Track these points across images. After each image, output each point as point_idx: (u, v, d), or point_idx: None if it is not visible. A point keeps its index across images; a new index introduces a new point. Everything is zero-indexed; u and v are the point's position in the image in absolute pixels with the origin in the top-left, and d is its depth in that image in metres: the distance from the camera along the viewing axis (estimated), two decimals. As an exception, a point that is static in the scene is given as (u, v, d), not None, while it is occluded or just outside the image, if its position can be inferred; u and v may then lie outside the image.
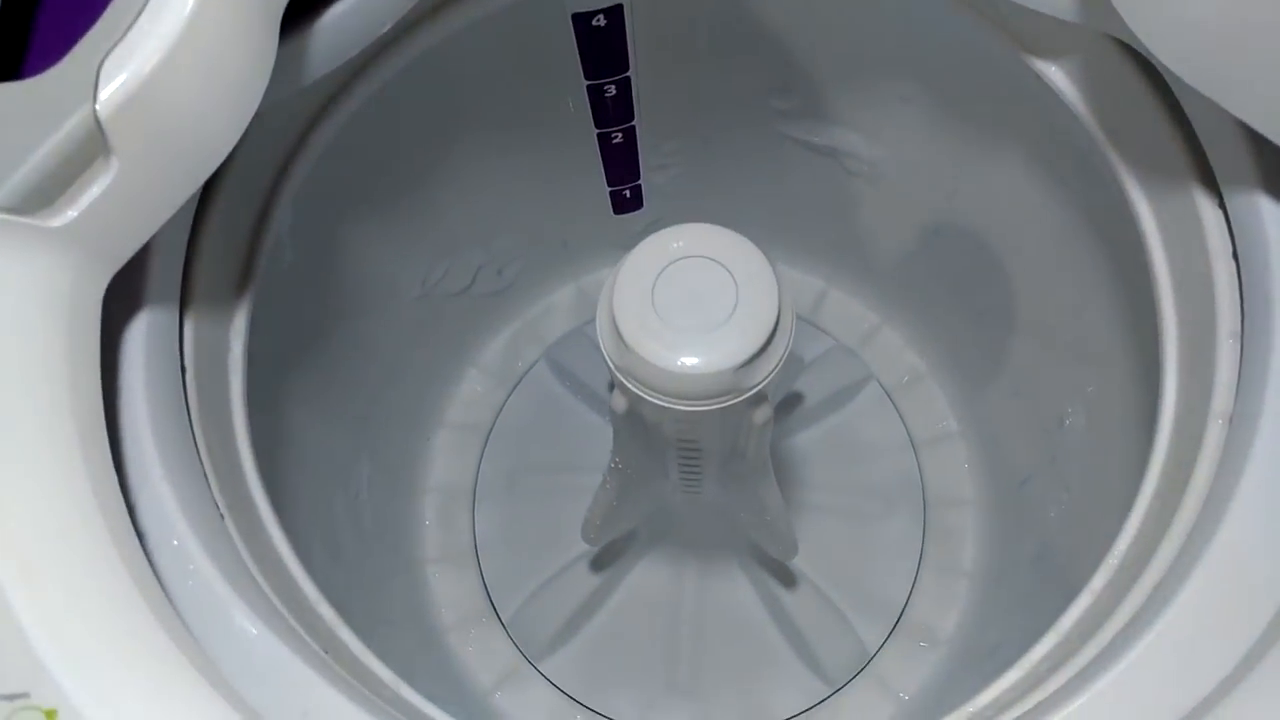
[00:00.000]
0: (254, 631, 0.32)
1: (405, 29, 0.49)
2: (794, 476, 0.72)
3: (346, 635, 0.37)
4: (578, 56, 0.55)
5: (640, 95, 0.59)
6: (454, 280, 0.69)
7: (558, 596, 0.69)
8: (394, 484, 0.69)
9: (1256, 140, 0.32)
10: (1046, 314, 0.58)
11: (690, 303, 0.39)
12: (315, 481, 0.57)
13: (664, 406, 0.40)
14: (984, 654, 0.63)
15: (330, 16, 0.40)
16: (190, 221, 0.40)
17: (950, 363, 0.72)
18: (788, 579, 0.68)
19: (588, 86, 0.57)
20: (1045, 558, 0.58)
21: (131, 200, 0.32)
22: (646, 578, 0.70)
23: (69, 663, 0.26)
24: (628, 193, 0.69)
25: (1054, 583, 0.55)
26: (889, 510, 0.71)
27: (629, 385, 0.40)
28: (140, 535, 0.32)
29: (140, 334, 0.36)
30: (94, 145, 0.30)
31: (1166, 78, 0.38)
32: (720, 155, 0.66)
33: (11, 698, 0.25)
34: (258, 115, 0.42)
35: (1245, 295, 0.35)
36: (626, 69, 0.57)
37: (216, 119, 0.33)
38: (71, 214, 0.31)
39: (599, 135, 0.62)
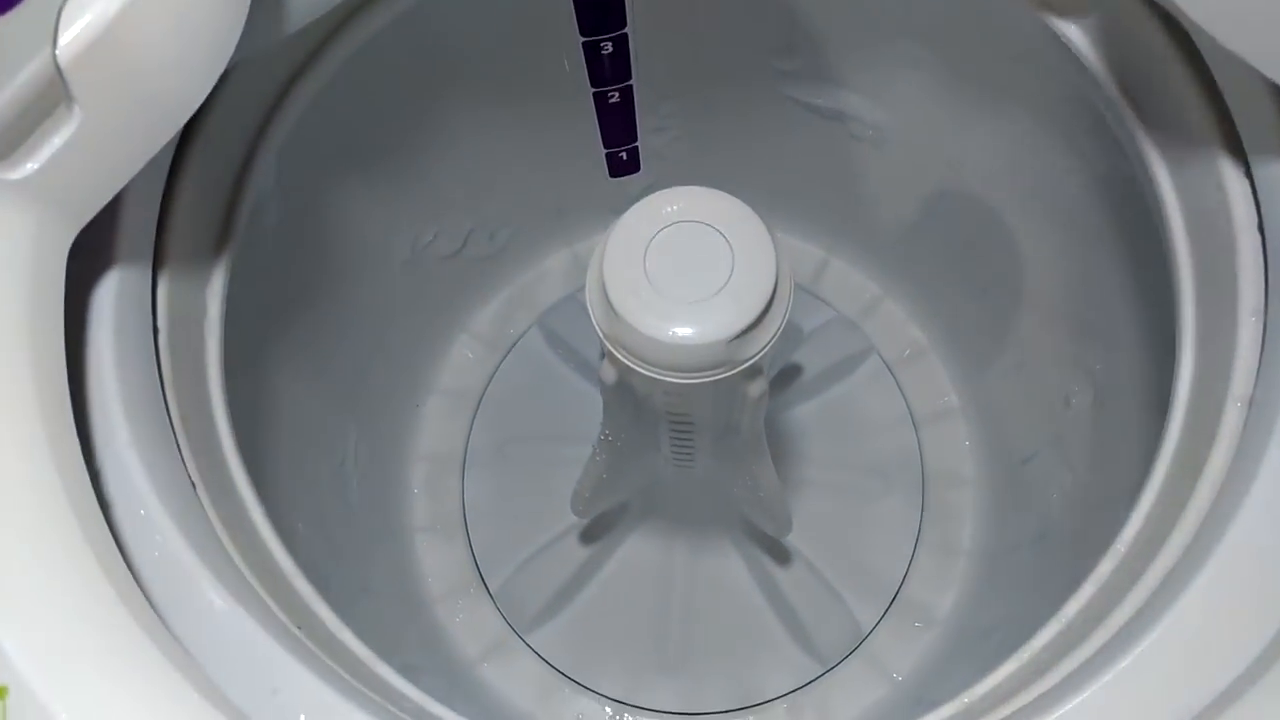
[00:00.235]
0: (222, 606, 0.30)
1: (393, -21, 0.47)
2: (790, 450, 0.70)
3: (322, 609, 0.36)
4: (573, 12, 0.53)
5: (638, 53, 0.57)
6: (444, 243, 0.67)
7: (547, 568, 0.68)
8: (382, 451, 0.68)
9: (1288, 106, 0.30)
10: (1054, 287, 0.56)
11: (684, 270, 0.37)
12: (299, 448, 0.56)
13: (654, 378, 0.39)
14: (980, 636, 0.61)
15: (311, -38, 0.38)
16: (165, 175, 0.39)
17: (953, 337, 0.70)
18: (781, 555, 0.67)
19: (583, 43, 0.55)
20: (1047, 539, 0.57)
21: (96, 152, 0.30)
22: (637, 551, 0.68)
23: (21, 638, 0.25)
24: (624, 155, 0.67)
25: (1055, 566, 0.54)
26: (887, 487, 0.70)
27: (618, 355, 0.39)
28: (105, 504, 0.31)
29: (109, 293, 0.34)
30: (54, 93, 0.29)
31: (1194, 36, 0.36)
32: (721, 117, 0.65)
33: (-42, 676, 0.24)
34: (238, 66, 0.40)
35: (1270, 271, 0.33)
36: (624, 25, 0.55)
37: (186, 68, 0.31)
38: (31, 166, 0.29)
39: (595, 95, 0.60)
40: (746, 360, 0.39)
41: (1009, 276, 0.59)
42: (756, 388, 0.43)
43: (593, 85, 0.59)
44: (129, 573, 0.28)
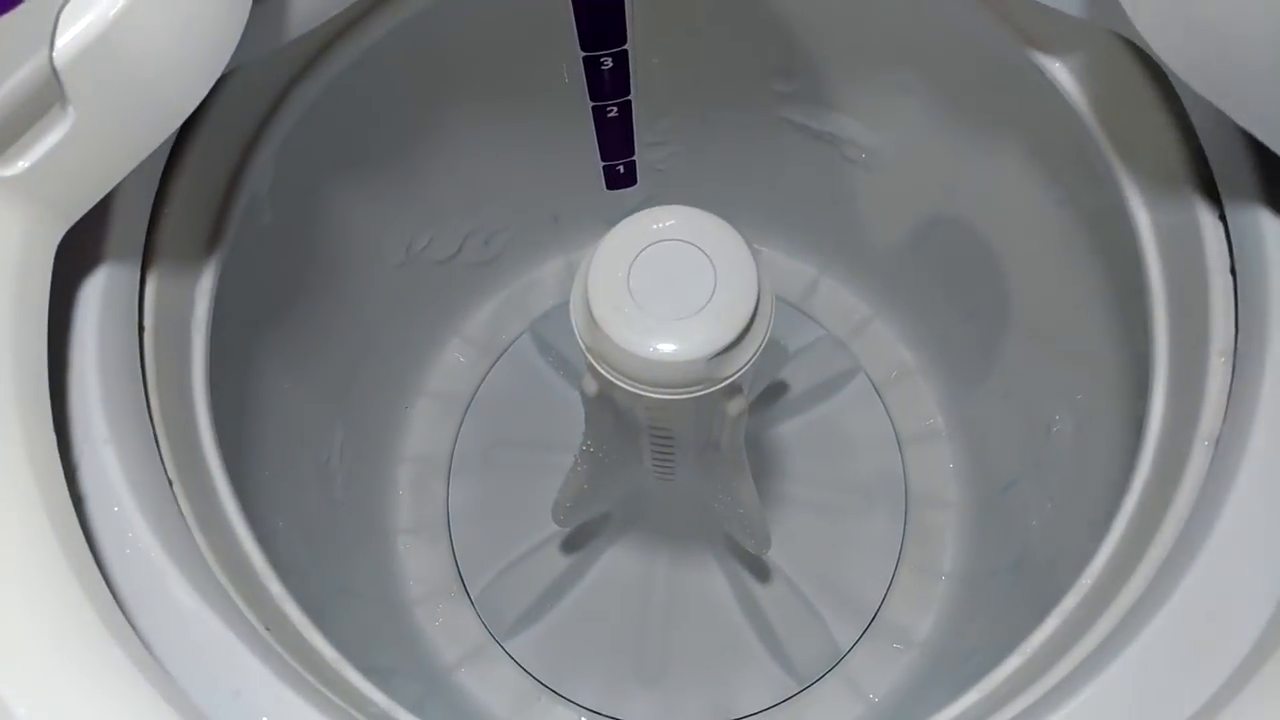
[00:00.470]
0: (189, 604, 0.31)
1: (395, -10, 0.47)
2: (775, 467, 0.71)
3: (293, 610, 0.36)
4: (573, 27, 0.53)
5: (638, 69, 0.57)
6: (439, 248, 0.68)
7: (528, 576, 0.68)
8: (368, 452, 0.68)
9: (1262, 151, 0.30)
10: (1040, 315, 0.57)
11: (666, 287, 0.38)
12: (285, 445, 0.56)
13: (634, 392, 0.39)
14: (958, 660, 0.62)
15: (311, -29, 0.39)
16: (159, 174, 0.39)
17: (941, 359, 0.70)
18: (762, 572, 0.67)
19: (584, 58, 0.56)
20: (1024, 567, 0.57)
21: (88, 153, 0.31)
22: (618, 562, 0.69)
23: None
24: (621, 168, 0.67)
25: (1031, 594, 0.55)
26: (869, 507, 0.70)
27: (599, 368, 0.39)
28: (80, 500, 0.31)
29: (96, 290, 0.35)
30: (49, 94, 0.29)
31: (1172, 80, 0.36)
32: (718, 135, 0.65)
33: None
34: (237, 69, 0.41)
35: (1240, 313, 0.34)
36: (624, 42, 0.55)
37: (182, 73, 0.32)
38: (23, 164, 0.30)
39: (594, 109, 0.60)
40: (726, 378, 0.39)
41: (996, 302, 0.60)
42: (736, 405, 0.44)
43: (592, 99, 0.59)
44: (96, 568, 0.28)
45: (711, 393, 0.39)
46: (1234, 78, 0.28)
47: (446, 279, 0.70)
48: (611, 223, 0.71)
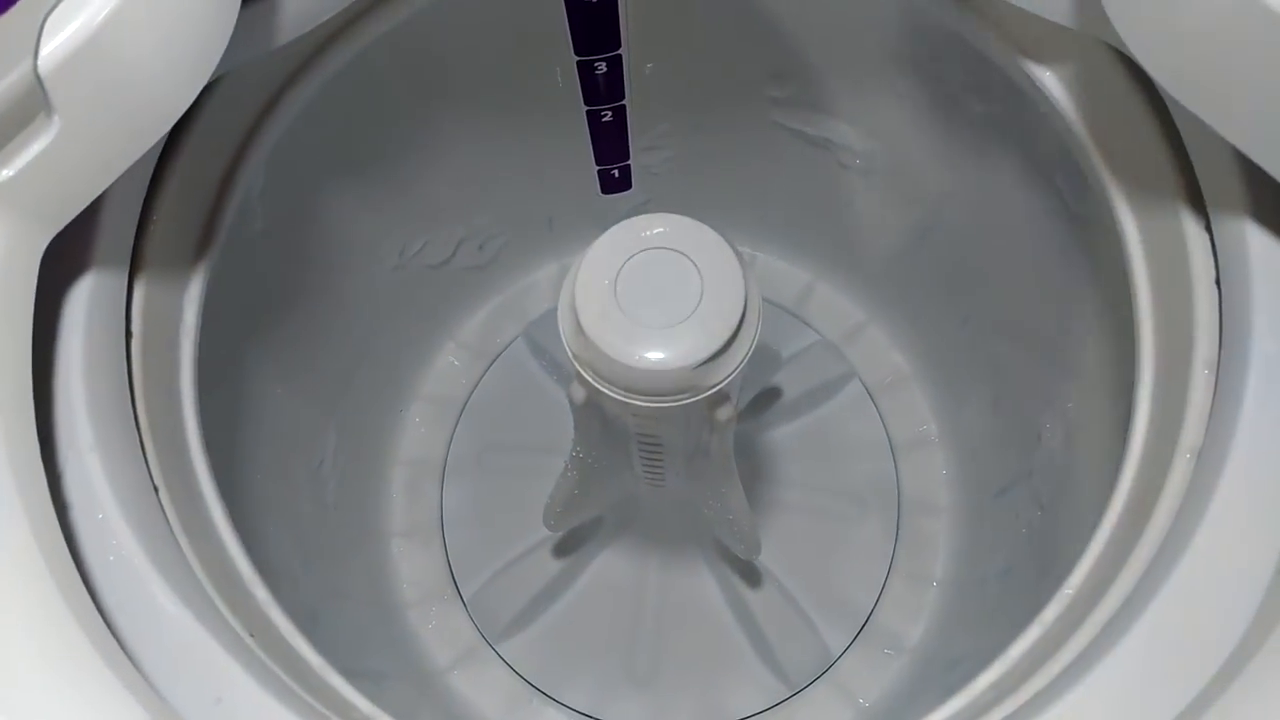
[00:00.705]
0: (172, 610, 0.31)
1: (387, -7, 0.47)
2: (767, 472, 0.71)
3: (278, 616, 0.37)
4: (567, 32, 0.53)
5: (633, 74, 0.57)
6: (434, 252, 0.68)
7: (521, 579, 0.68)
8: (362, 455, 0.68)
9: (1248, 162, 0.30)
10: (1031, 322, 0.57)
11: (653, 296, 0.38)
12: (277, 449, 0.57)
13: (621, 400, 0.39)
14: (947, 667, 0.62)
15: (300, -23, 0.39)
16: (148, 180, 0.39)
17: (935, 365, 0.70)
18: (753, 577, 0.67)
19: (578, 63, 0.56)
20: (1013, 574, 0.57)
21: (74, 160, 0.31)
22: (610, 566, 0.69)
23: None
24: (616, 173, 0.67)
25: (1019, 602, 0.55)
26: (862, 512, 0.70)
27: (586, 376, 0.39)
28: (64, 507, 0.31)
29: (83, 296, 0.35)
30: (34, 102, 0.29)
31: (1161, 90, 0.36)
32: (713, 140, 0.65)
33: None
34: (228, 74, 0.41)
35: (1225, 324, 0.34)
36: (618, 47, 0.55)
37: (168, 80, 0.32)
38: (7, 173, 0.30)
39: (588, 113, 0.60)
40: (712, 386, 0.39)
41: (990, 308, 0.60)
42: (724, 413, 0.44)
43: (586, 104, 0.59)
44: (78, 575, 0.28)
45: (698, 400, 0.39)
46: (1217, 90, 0.28)
47: (441, 283, 0.70)
48: (607, 227, 0.71)
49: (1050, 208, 0.49)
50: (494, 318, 0.75)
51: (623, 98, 0.59)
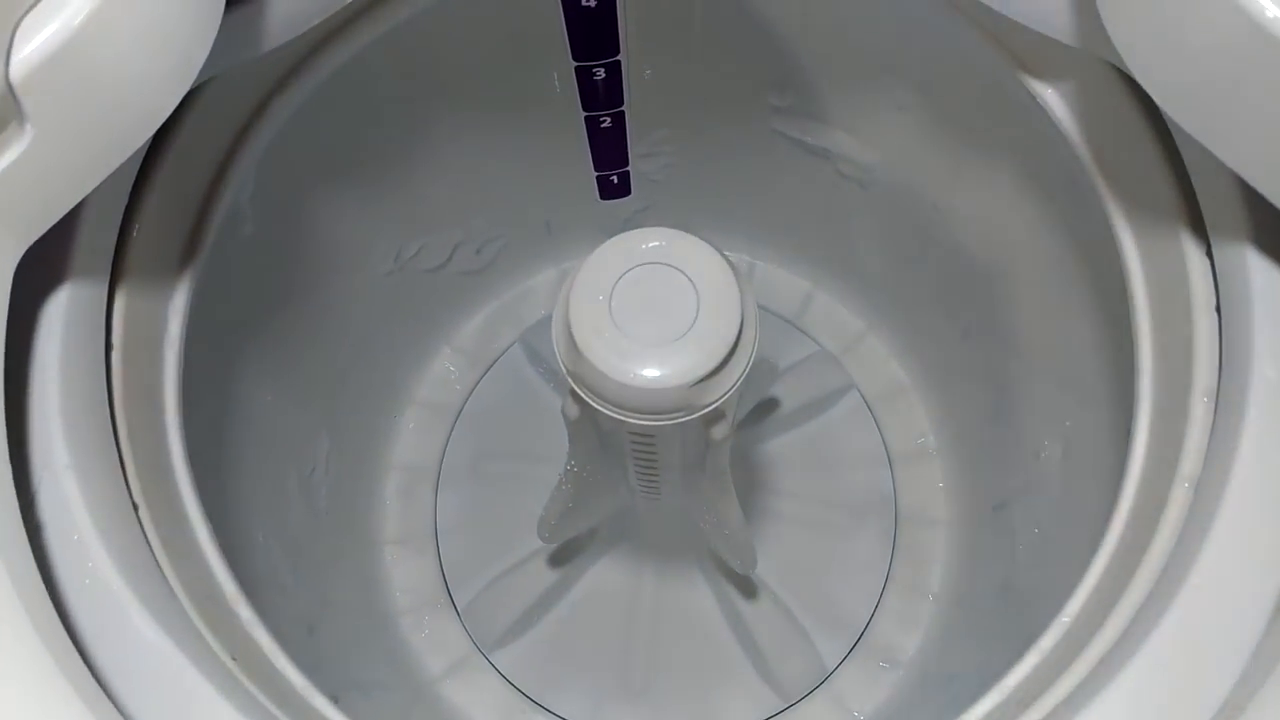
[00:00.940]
0: (150, 636, 0.30)
1: (381, -2, 0.46)
2: (764, 483, 0.70)
3: (262, 636, 0.36)
4: (565, 37, 0.52)
5: (633, 80, 0.56)
6: (429, 257, 0.67)
7: (515, 588, 0.67)
8: (355, 461, 0.68)
9: (1250, 188, 0.30)
10: (1031, 339, 0.56)
11: (649, 312, 0.37)
12: (267, 457, 0.56)
13: (615, 417, 0.38)
14: (943, 682, 0.61)
15: (288, -18, 0.38)
16: (129, 186, 0.38)
17: (934, 378, 0.70)
18: (749, 588, 0.67)
19: (576, 68, 0.55)
20: (1010, 591, 0.57)
21: (48, 170, 0.30)
22: (605, 577, 0.68)
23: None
24: (615, 178, 0.67)
25: (1015, 619, 0.54)
26: (859, 524, 0.69)
27: (580, 392, 0.39)
28: (38, 528, 0.31)
29: (60, 307, 0.34)
30: (4, 110, 0.28)
31: (1166, 117, 0.35)
32: (712, 147, 0.64)
33: None
34: (215, 78, 0.40)
35: (1225, 352, 0.33)
36: (617, 52, 0.54)
37: (148, 87, 0.31)
38: (-24, 183, 0.29)
39: (586, 118, 0.60)
40: (708, 405, 0.38)
41: (990, 323, 0.59)
42: (720, 430, 0.43)
43: (585, 109, 0.58)
44: (49, 600, 0.27)
45: (694, 418, 0.39)
46: (1218, 114, 0.27)
47: (437, 288, 0.69)
48: (606, 232, 0.71)
49: (1051, 224, 0.48)
50: (490, 323, 0.74)
51: (621, 104, 0.59)
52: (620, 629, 0.67)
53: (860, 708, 0.65)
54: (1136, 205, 0.37)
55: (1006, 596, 0.58)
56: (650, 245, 0.38)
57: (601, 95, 0.58)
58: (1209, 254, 0.34)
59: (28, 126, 0.29)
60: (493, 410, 0.73)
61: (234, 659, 0.33)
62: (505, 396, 0.74)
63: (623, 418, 0.38)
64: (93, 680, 0.27)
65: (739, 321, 0.37)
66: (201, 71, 0.32)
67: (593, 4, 0.51)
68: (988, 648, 0.58)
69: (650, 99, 0.59)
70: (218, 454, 0.49)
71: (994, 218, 0.53)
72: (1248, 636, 0.29)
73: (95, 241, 0.36)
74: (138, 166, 0.39)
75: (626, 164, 0.65)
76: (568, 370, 0.39)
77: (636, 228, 0.72)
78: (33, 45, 0.28)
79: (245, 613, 0.36)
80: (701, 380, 0.37)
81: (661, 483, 0.52)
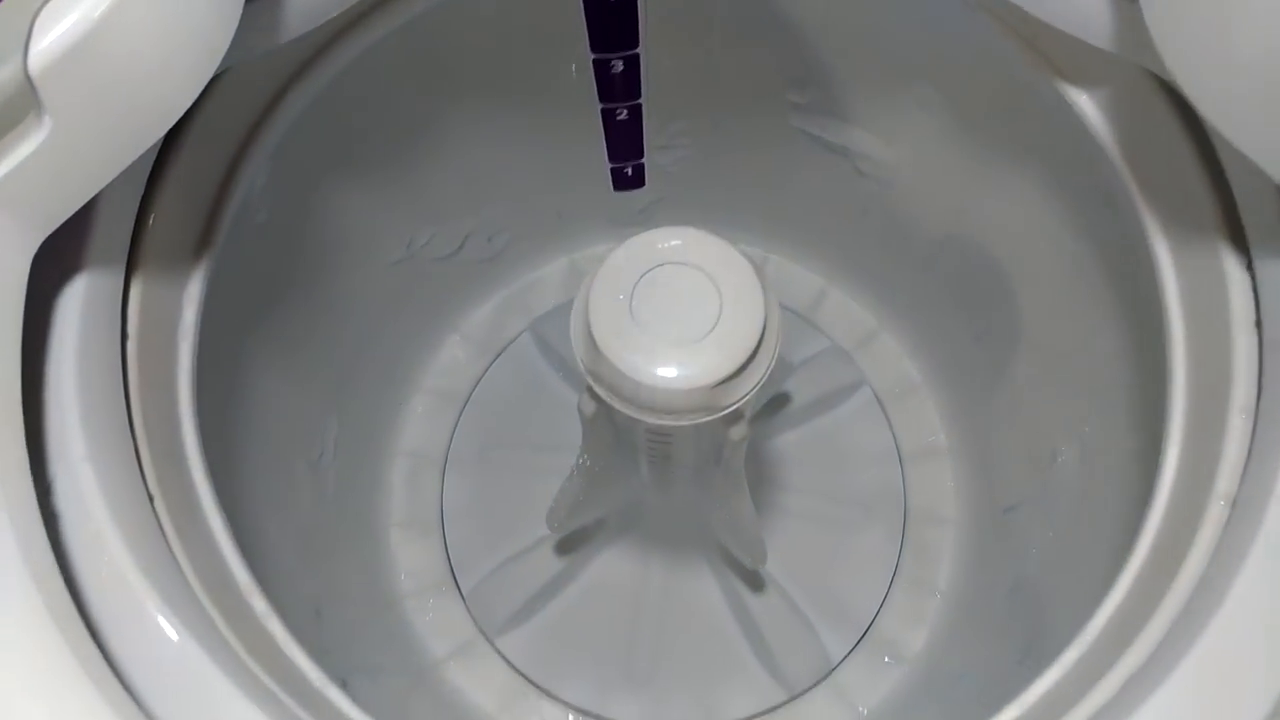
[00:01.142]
0: (168, 631, 0.30)
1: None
2: (774, 478, 0.70)
3: (277, 628, 0.36)
4: (585, 29, 0.52)
5: (650, 71, 0.56)
6: (440, 245, 0.66)
7: (521, 575, 0.67)
8: (362, 447, 0.67)
9: (1295, 203, 0.29)
10: (1050, 343, 0.55)
11: (670, 312, 0.37)
12: (276, 444, 0.56)
13: (634, 417, 0.38)
14: (949, 679, 0.61)
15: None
16: (145, 177, 0.38)
17: (947, 376, 0.69)
18: (755, 581, 0.66)
19: (594, 60, 0.54)
20: (1021, 593, 0.56)
21: (66, 162, 0.29)
22: (612, 566, 0.68)
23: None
24: (629, 170, 0.66)
25: (1027, 621, 0.54)
26: (867, 521, 0.69)
27: (599, 391, 0.38)
28: (55, 518, 0.30)
29: (77, 298, 0.33)
30: (23, 102, 0.28)
31: (1207, 126, 0.35)
32: (729, 141, 0.64)
33: None
34: (230, 69, 0.40)
35: (1265, 369, 0.32)
36: (636, 45, 0.53)
37: (167, 80, 0.30)
38: (-5, 174, 0.29)
39: (603, 110, 0.59)
40: (728, 406, 0.38)
41: (1007, 325, 0.59)
42: (737, 431, 0.43)
43: (601, 101, 0.58)
44: (66, 591, 0.27)
45: (713, 420, 0.38)
46: (1270, 128, 0.27)
47: (447, 276, 0.69)
48: (619, 223, 0.70)
49: (1076, 230, 0.47)
50: (500, 311, 0.74)
51: (639, 96, 0.58)
52: (626, 618, 0.67)
53: (864, 702, 0.65)
54: (1173, 216, 0.37)
55: (1016, 598, 0.57)
56: (672, 244, 0.38)
57: (619, 88, 0.57)
58: (1250, 268, 0.33)
59: (46, 118, 0.28)
60: (501, 398, 0.73)
61: (249, 651, 0.33)
62: (513, 385, 0.73)
63: (641, 417, 0.38)
64: (109, 672, 0.27)
65: (761, 323, 0.37)
66: (220, 63, 0.31)
67: (614, -5, 0.50)
68: (995, 647, 0.58)
69: (668, 92, 0.58)
70: (227, 440, 0.49)
71: (1016, 221, 0.52)
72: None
73: (111, 232, 0.35)
74: (154, 157, 0.38)
75: (641, 157, 0.64)
76: (586, 368, 0.39)
77: (649, 219, 0.72)
78: (51, 37, 0.27)
79: (259, 604, 0.36)
80: (722, 382, 0.36)
81: (675, 479, 0.51)
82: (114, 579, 0.30)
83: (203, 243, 0.41)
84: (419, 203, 0.61)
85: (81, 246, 0.34)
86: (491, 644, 0.67)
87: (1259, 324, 0.33)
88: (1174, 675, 0.29)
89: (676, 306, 0.37)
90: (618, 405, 0.38)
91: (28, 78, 0.27)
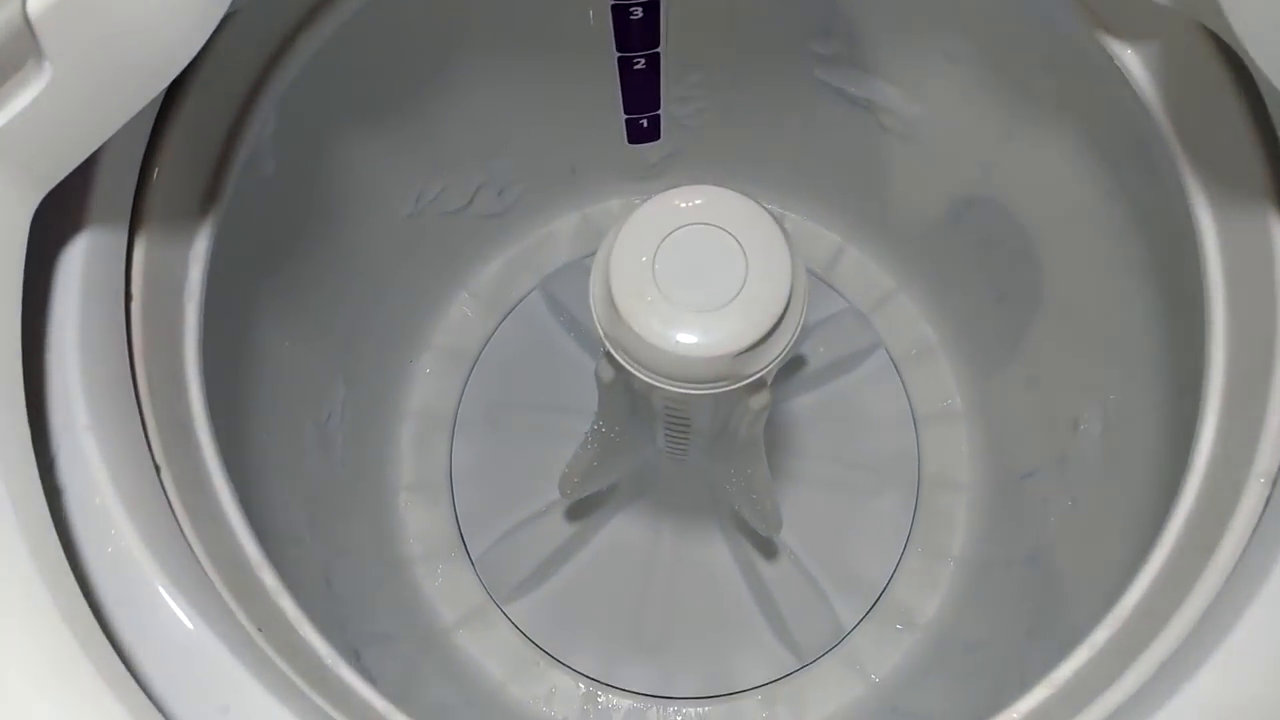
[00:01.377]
0: (175, 609, 0.29)
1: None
2: (786, 442, 0.69)
3: (288, 605, 0.35)
4: (603, -27, 0.50)
5: (670, 20, 0.54)
6: (450, 199, 0.65)
7: (531, 540, 0.66)
8: (370, 408, 0.66)
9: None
10: (1075, 308, 0.54)
11: (694, 276, 0.35)
12: (284, 407, 0.54)
13: (653, 384, 0.37)
14: (962, 650, 0.60)
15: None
16: (149, 130, 0.36)
17: (964, 339, 0.68)
18: (768, 548, 0.66)
19: (613, 6, 0.53)
20: (1038, 562, 0.56)
21: (67, 112, 0.28)
22: (623, 532, 0.67)
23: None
24: (645, 122, 0.64)
25: (1044, 590, 0.53)
26: (881, 486, 0.68)
27: (618, 357, 0.37)
28: (58, 491, 0.29)
29: (78, 257, 0.32)
30: (21, 47, 0.26)
31: (1259, 82, 0.33)
32: (748, 94, 0.62)
33: None
34: (236, 13, 0.38)
35: (1312, 342, 0.31)
36: (656, -9, 0.52)
37: (172, 26, 0.29)
38: (-7, 125, 0.27)
39: (620, 59, 0.57)
40: (752, 375, 0.37)
41: (1030, 288, 0.57)
42: (759, 400, 0.42)
43: (618, 50, 0.56)
44: (69, 570, 0.26)
45: (735, 389, 0.37)
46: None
47: (457, 231, 0.67)
48: (632, 178, 0.68)
49: (1108, 191, 0.46)
50: (510, 268, 0.72)
51: (657, 45, 0.56)
52: (637, 585, 0.67)
53: (876, 669, 0.65)
54: (1219, 180, 0.35)
55: (1032, 567, 0.57)
56: (695, 204, 0.36)
57: (637, 36, 0.55)
58: (1300, 234, 0.32)
59: (46, 65, 0.27)
60: (510, 358, 0.72)
61: (259, 630, 0.32)
62: (523, 344, 0.72)
63: (661, 385, 0.37)
64: (115, 656, 0.26)
65: (788, 288, 0.35)
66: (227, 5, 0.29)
67: (634, -61, 0.48)
68: (1009, 617, 0.58)
69: (687, 41, 0.56)
70: (234, 405, 0.48)
71: (1046, 181, 0.51)
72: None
73: (114, 187, 0.34)
74: (157, 107, 0.36)
75: (658, 108, 0.63)
76: (605, 334, 0.37)
77: (663, 173, 0.70)
78: (50, -21, 0.26)
79: (270, 580, 0.35)
80: (746, 350, 0.35)
81: (691, 446, 0.50)
82: (121, 557, 0.29)
83: (208, 198, 0.39)
84: (429, 154, 0.59)
85: (83, 203, 0.32)
86: (501, 611, 0.67)
87: (1310, 293, 0.32)
88: (1213, 658, 0.28)
89: (701, 270, 0.35)
90: (637, 372, 0.37)
91: (26, 21, 0.25)
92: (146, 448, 0.32)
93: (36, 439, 0.28)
